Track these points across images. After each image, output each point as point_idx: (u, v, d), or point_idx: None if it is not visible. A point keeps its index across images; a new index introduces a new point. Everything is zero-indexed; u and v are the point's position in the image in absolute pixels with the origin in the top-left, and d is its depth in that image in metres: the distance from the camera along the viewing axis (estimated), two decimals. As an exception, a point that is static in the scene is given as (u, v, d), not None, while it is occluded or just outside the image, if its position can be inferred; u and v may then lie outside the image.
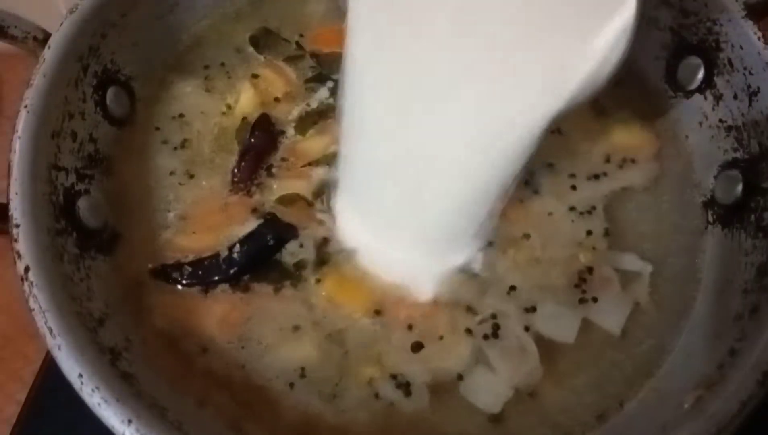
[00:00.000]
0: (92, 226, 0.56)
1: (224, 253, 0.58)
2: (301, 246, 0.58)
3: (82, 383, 0.44)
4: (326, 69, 0.68)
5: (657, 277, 0.58)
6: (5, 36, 0.57)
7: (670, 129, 0.65)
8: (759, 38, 0.58)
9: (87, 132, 0.59)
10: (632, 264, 0.58)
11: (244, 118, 0.65)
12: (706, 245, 0.59)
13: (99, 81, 0.61)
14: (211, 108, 0.66)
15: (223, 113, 0.66)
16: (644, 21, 0.66)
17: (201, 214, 0.60)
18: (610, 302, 0.56)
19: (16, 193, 0.50)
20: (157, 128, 0.65)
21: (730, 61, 0.61)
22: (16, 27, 0.57)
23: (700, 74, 0.64)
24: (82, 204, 0.56)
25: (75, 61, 0.58)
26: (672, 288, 0.58)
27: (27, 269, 0.47)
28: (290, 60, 0.69)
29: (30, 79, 0.54)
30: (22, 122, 0.52)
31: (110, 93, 0.62)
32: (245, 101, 0.65)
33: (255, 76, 0.68)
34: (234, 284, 0.57)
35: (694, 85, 0.64)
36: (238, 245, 0.58)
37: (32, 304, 0.46)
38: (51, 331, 0.45)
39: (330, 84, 0.67)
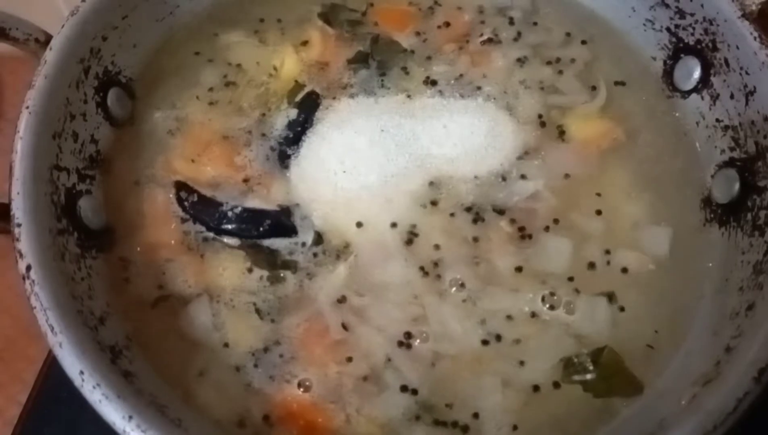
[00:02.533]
0: (93, 226, 0.57)
1: (226, 207, 0.60)
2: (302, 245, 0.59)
3: (83, 380, 0.44)
4: (377, 53, 0.69)
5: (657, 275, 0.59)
6: (7, 38, 0.58)
7: (667, 128, 0.65)
8: (755, 38, 0.58)
9: (88, 133, 0.60)
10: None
11: (296, 81, 0.67)
12: (704, 243, 0.60)
13: (100, 82, 0.61)
14: (266, 60, 0.69)
15: (270, 75, 0.68)
16: (641, 22, 0.68)
17: (204, 145, 0.64)
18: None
19: (18, 193, 0.50)
20: (211, 60, 0.69)
21: (726, 61, 0.61)
22: (17, 29, 0.58)
23: (697, 74, 0.64)
24: (83, 204, 0.56)
25: (76, 62, 0.58)
26: (671, 286, 0.58)
27: (29, 268, 0.47)
28: (352, 24, 0.71)
29: (32, 80, 0.55)
30: (24, 123, 0.53)
31: (111, 94, 0.62)
32: (289, 66, 0.68)
33: (304, 43, 0.70)
34: (215, 236, 0.59)
35: (691, 85, 0.65)
36: (240, 208, 0.60)
37: (34, 302, 0.47)
38: (52, 328, 0.46)
39: (370, 70, 0.69)
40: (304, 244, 0.59)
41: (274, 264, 0.58)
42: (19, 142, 0.52)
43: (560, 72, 0.69)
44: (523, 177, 0.62)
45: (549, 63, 0.69)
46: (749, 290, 0.52)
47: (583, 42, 0.70)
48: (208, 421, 0.51)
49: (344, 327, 0.55)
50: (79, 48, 0.59)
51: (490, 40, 0.71)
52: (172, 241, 0.59)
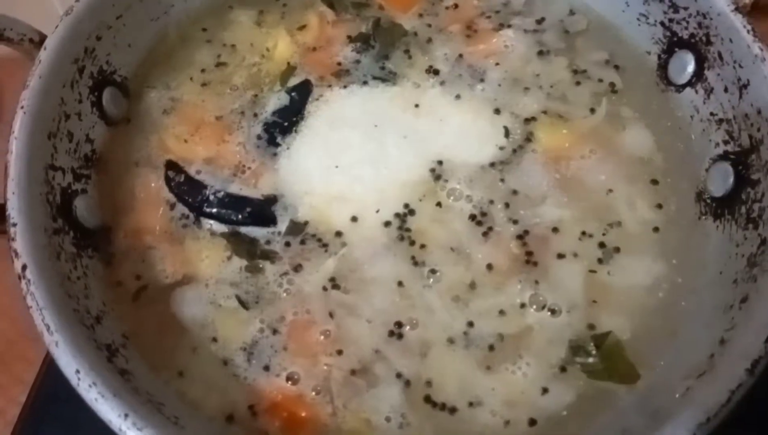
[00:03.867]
0: (89, 225, 0.57)
1: (210, 191, 0.61)
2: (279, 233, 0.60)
3: (79, 379, 0.45)
4: (379, 36, 0.70)
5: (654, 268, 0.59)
6: (1, 39, 0.58)
7: (662, 123, 0.65)
8: (748, 31, 0.58)
9: (83, 132, 0.60)
10: None
11: (288, 63, 0.68)
12: (699, 236, 0.60)
13: (95, 82, 0.61)
14: (260, 42, 0.70)
15: (263, 56, 0.69)
16: (635, 16, 0.68)
17: (196, 125, 0.65)
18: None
19: (13, 193, 0.50)
20: (209, 41, 0.71)
21: (720, 54, 0.61)
22: (11, 29, 0.58)
23: (691, 68, 0.64)
24: (78, 203, 0.57)
25: (71, 62, 0.59)
26: (666, 277, 0.58)
27: (24, 267, 0.48)
28: (356, 6, 0.72)
29: (26, 80, 0.55)
30: (19, 123, 0.53)
31: (106, 94, 0.63)
32: (282, 48, 0.69)
33: (302, 27, 0.71)
34: (196, 219, 0.60)
35: (686, 79, 0.65)
36: (223, 193, 0.61)
37: (30, 301, 0.47)
38: (48, 328, 0.46)
39: (371, 55, 0.69)
40: (280, 234, 0.60)
41: (254, 253, 0.59)
42: (14, 142, 0.52)
43: (578, 83, 0.68)
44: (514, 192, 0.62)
45: (575, 72, 0.69)
46: (743, 283, 0.52)
47: (617, 67, 0.69)
48: (204, 418, 0.52)
49: (331, 316, 0.56)
50: (74, 48, 0.59)
51: (500, 26, 0.71)
52: (157, 227, 0.60)
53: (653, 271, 0.59)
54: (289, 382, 0.54)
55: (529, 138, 0.64)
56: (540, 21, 0.71)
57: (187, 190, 0.61)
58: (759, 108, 0.57)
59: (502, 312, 0.56)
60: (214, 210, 0.60)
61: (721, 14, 0.60)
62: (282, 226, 0.60)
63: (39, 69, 0.55)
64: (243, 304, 0.56)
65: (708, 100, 0.63)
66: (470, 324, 0.56)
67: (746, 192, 0.57)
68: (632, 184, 0.63)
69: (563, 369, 0.54)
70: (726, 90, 0.61)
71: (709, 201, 0.60)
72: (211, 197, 0.61)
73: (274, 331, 0.56)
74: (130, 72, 0.66)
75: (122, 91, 0.65)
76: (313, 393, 0.53)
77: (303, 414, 0.53)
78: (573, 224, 0.60)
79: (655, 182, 0.63)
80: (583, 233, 0.60)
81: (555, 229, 0.60)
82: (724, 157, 0.60)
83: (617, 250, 0.59)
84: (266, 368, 0.54)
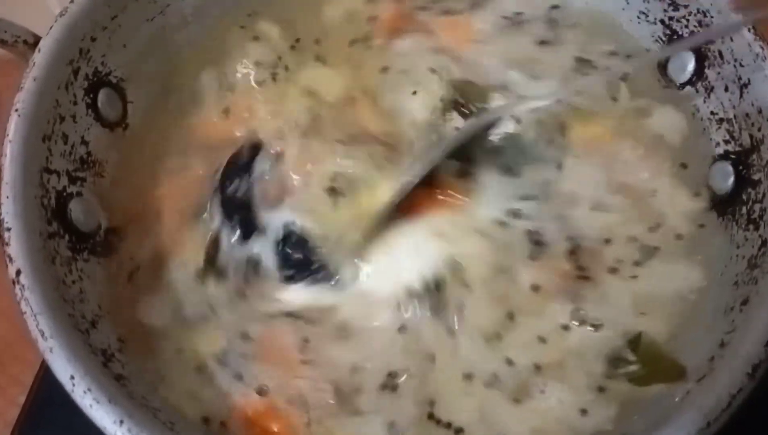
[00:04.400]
0: (85, 229, 0.57)
1: (244, 183, 0.59)
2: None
3: (74, 385, 0.44)
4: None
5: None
6: (-5, 40, 0.58)
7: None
8: (749, 30, 0.57)
9: (79, 135, 0.59)
10: None
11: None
12: (700, 237, 0.59)
13: (90, 84, 0.61)
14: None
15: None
16: (635, 14, 0.68)
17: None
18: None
19: (8, 197, 0.50)
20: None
21: (720, 53, 0.60)
22: (6, 31, 0.58)
23: (691, 67, 0.63)
24: (74, 206, 0.56)
25: (65, 64, 0.58)
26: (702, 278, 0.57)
27: (18, 272, 0.47)
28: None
29: (21, 82, 0.55)
30: (13, 126, 0.52)
31: (102, 95, 0.62)
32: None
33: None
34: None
35: (686, 78, 0.64)
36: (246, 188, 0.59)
37: (24, 307, 0.46)
38: (43, 333, 0.46)
39: None
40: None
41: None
42: (8, 146, 0.52)
43: (585, 74, 0.66)
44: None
45: (579, 59, 0.67)
46: (744, 285, 0.52)
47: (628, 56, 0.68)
48: (199, 423, 0.51)
49: (306, 341, 0.54)
50: (68, 49, 0.58)
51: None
52: (150, 232, 0.59)
53: (690, 272, 0.57)
54: (260, 395, 0.52)
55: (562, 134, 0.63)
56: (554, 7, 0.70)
57: (236, 172, 0.59)
58: (760, 107, 0.56)
59: (542, 339, 0.54)
60: (233, 194, 0.58)
61: (722, 12, 0.59)
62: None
63: (33, 71, 0.55)
64: (213, 310, 0.55)
65: (708, 99, 0.62)
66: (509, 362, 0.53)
67: (747, 192, 0.56)
68: (669, 175, 0.61)
69: (601, 389, 0.52)
70: (726, 89, 0.60)
71: (709, 201, 0.60)
72: (242, 185, 0.58)
73: (245, 338, 0.54)
74: (125, 73, 0.65)
75: (118, 93, 0.64)
76: (287, 404, 0.52)
77: (275, 428, 0.51)
78: (620, 228, 0.59)
79: (684, 167, 0.61)
80: (630, 238, 0.58)
81: (607, 241, 0.58)
82: (725, 156, 0.60)
83: (655, 250, 0.58)
84: (238, 377, 0.53)
